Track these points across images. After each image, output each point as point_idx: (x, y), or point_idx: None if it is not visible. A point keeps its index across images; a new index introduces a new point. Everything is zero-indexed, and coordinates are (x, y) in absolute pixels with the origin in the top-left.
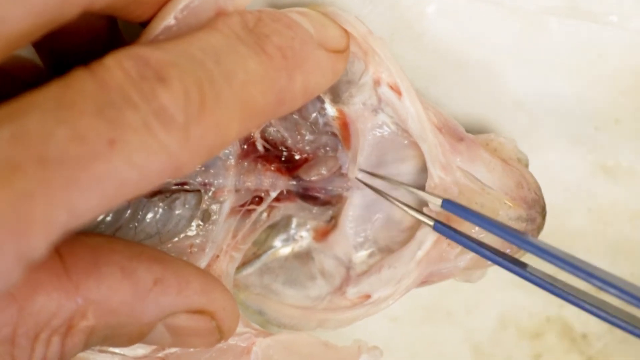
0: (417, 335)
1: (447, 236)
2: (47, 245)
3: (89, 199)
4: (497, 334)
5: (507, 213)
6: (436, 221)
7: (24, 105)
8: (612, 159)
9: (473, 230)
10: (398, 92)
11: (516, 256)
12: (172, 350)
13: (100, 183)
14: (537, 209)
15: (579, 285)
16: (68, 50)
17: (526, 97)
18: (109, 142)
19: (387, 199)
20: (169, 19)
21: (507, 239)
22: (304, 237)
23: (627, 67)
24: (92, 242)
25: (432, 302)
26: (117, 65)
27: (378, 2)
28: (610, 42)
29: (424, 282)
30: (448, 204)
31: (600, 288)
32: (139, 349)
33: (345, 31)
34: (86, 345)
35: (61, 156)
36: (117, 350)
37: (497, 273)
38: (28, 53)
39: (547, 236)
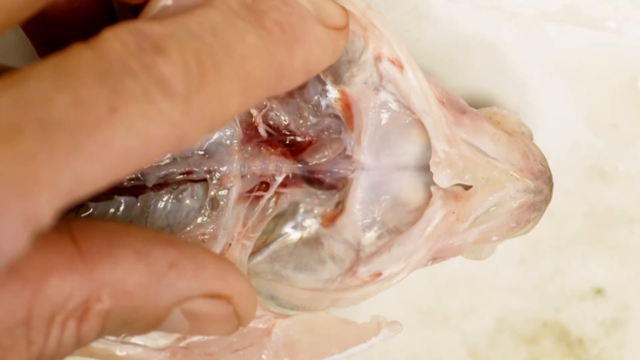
0: (414, 339)
1: None
2: (53, 210)
3: (93, 166)
4: (494, 338)
5: (515, 185)
6: None
7: (22, 75)
8: (609, 163)
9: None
10: (400, 66)
11: (519, 233)
12: (194, 339)
13: (103, 149)
14: (544, 179)
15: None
16: (64, 40)
17: (524, 102)
18: (111, 108)
19: None
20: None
21: None
22: (311, 224)
23: (625, 72)
24: (106, 226)
25: (428, 306)
26: (115, 38)
27: (375, 6)
28: (608, 48)
29: (434, 259)
30: None
31: None
32: (161, 339)
33: (344, 8)
34: (103, 330)
35: (63, 121)
36: (139, 341)
37: (494, 277)
38: (24, 43)
39: (544, 241)
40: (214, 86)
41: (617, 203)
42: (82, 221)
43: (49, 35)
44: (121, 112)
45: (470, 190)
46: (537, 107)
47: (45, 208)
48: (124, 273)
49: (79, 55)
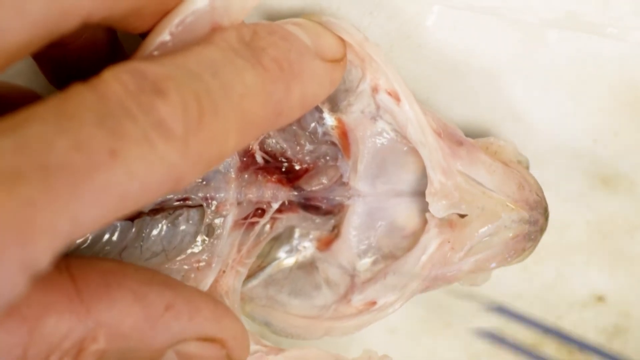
0: (416, 346)
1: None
2: (50, 254)
3: (92, 209)
4: (496, 347)
5: (510, 215)
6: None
7: (24, 117)
8: (611, 171)
9: None
10: (396, 98)
11: (514, 262)
12: None
13: (102, 193)
14: (540, 210)
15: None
16: (70, 65)
17: (525, 109)
18: (110, 152)
19: None
20: (163, 35)
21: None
22: (307, 248)
23: (626, 80)
24: (104, 266)
25: (430, 314)
26: (115, 79)
27: (377, 14)
28: (610, 55)
29: (429, 287)
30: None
31: None
32: None
33: (342, 39)
34: None
35: (63, 165)
36: None
37: (495, 284)
38: (30, 69)
39: (546, 249)
40: (212, 127)
41: (619, 211)
42: (80, 259)
43: (53, 57)
44: (121, 156)
45: (466, 218)
46: (539, 115)
47: (44, 252)
48: (121, 314)
49: (80, 97)
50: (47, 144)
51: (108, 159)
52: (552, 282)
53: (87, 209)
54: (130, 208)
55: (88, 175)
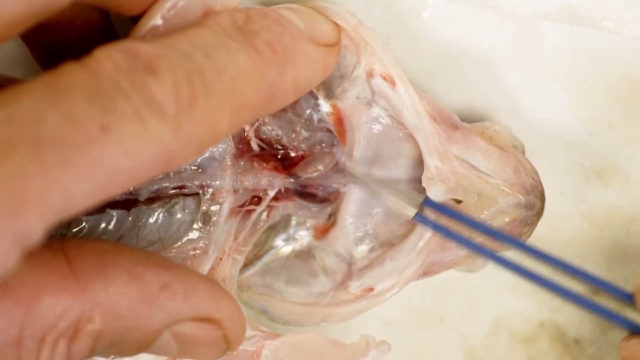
0: (411, 340)
1: (430, 228)
2: (42, 227)
3: (83, 184)
4: (491, 339)
5: (506, 200)
6: (417, 212)
7: (15, 92)
8: (606, 164)
9: None
10: (392, 83)
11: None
12: None
13: (94, 167)
14: (536, 194)
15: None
16: (64, 53)
17: (520, 102)
18: (102, 127)
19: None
20: (155, 19)
21: (488, 235)
22: (304, 236)
23: (621, 73)
24: (99, 247)
25: (425, 307)
26: (107, 57)
27: (373, 5)
28: (605, 48)
29: (426, 273)
30: (428, 202)
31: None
32: None
33: (336, 25)
34: (93, 351)
35: (54, 138)
36: None
37: (490, 278)
38: (23, 54)
39: (541, 241)
40: (204, 107)
41: (614, 204)
42: (76, 241)
43: (47, 42)
44: (112, 131)
45: (462, 204)
46: (534, 108)
47: (35, 225)
48: (116, 294)
49: (72, 74)
50: (38, 117)
51: (100, 133)
52: (547, 275)
53: (79, 183)
54: (122, 186)
55: (80, 149)
